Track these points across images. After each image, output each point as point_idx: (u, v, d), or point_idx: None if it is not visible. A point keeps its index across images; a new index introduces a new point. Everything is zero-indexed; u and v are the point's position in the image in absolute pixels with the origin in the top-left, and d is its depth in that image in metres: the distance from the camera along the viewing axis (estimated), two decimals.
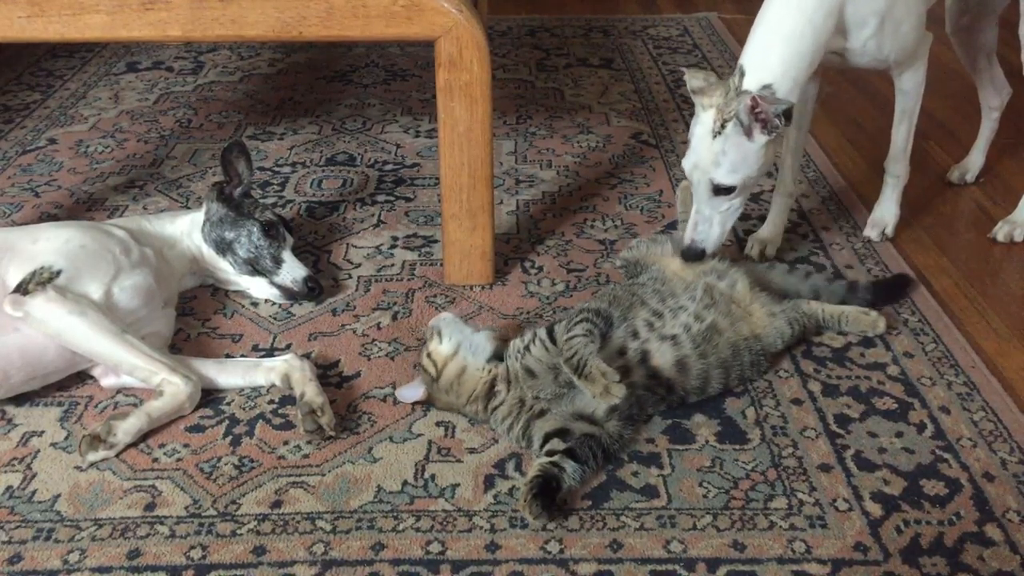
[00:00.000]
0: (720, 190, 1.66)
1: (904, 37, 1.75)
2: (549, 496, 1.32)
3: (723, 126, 1.61)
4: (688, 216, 1.72)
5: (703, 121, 1.65)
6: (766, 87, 1.62)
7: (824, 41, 1.66)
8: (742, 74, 1.64)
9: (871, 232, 2.01)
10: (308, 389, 1.51)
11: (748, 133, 1.61)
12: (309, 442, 1.47)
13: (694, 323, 1.52)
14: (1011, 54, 2.05)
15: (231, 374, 1.59)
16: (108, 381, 1.59)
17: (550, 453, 1.38)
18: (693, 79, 1.67)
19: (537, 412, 1.43)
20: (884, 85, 2.70)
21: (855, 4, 1.67)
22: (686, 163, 1.69)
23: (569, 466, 1.36)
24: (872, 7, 1.68)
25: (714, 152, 1.63)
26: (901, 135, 1.93)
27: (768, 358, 1.61)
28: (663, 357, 1.49)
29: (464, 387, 1.47)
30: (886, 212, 2.02)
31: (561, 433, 1.40)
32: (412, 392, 1.52)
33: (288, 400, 1.56)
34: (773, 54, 1.63)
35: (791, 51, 1.63)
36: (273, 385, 1.58)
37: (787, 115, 1.59)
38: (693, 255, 1.69)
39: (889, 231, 1.99)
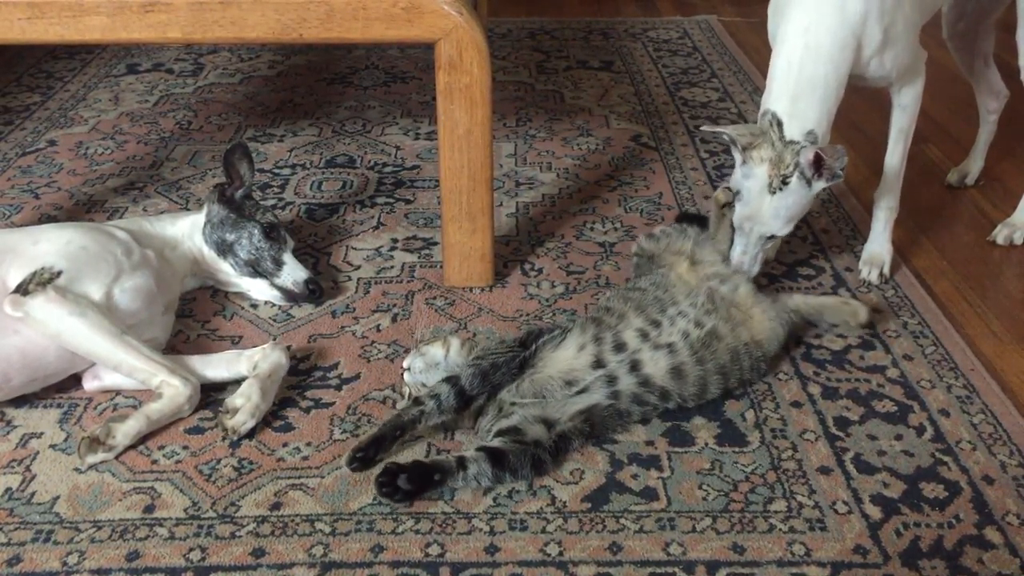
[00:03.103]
0: (771, 237, 1.71)
1: (903, 52, 1.74)
2: (420, 477, 1.34)
3: (784, 182, 1.62)
4: (719, 230, 1.75)
5: (757, 176, 1.64)
6: (809, 133, 1.64)
7: (846, 74, 1.67)
8: (779, 122, 1.64)
9: (869, 273, 1.90)
10: (241, 387, 1.51)
11: (809, 184, 1.63)
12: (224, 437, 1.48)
13: (693, 329, 1.52)
14: (1009, 57, 2.05)
15: (216, 368, 1.59)
16: (91, 384, 1.58)
17: (479, 450, 1.38)
18: (742, 137, 1.65)
19: (507, 413, 1.44)
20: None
21: (869, 33, 1.66)
22: (736, 216, 1.69)
23: (474, 468, 1.36)
24: (879, 27, 1.68)
25: (773, 207, 1.64)
26: (896, 157, 1.87)
27: (767, 361, 1.61)
28: (656, 365, 1.49)
29: None
30: (880, 248, 1.93)
31: (513, 431, 1.40)
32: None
33: (287, 401, 1.56)
34: (805, 101, 1.64)
35: (821, 95, 1.64)
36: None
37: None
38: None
39: (887, 269, 1.90)
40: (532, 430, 1.41)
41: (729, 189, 1.70)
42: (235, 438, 1.46)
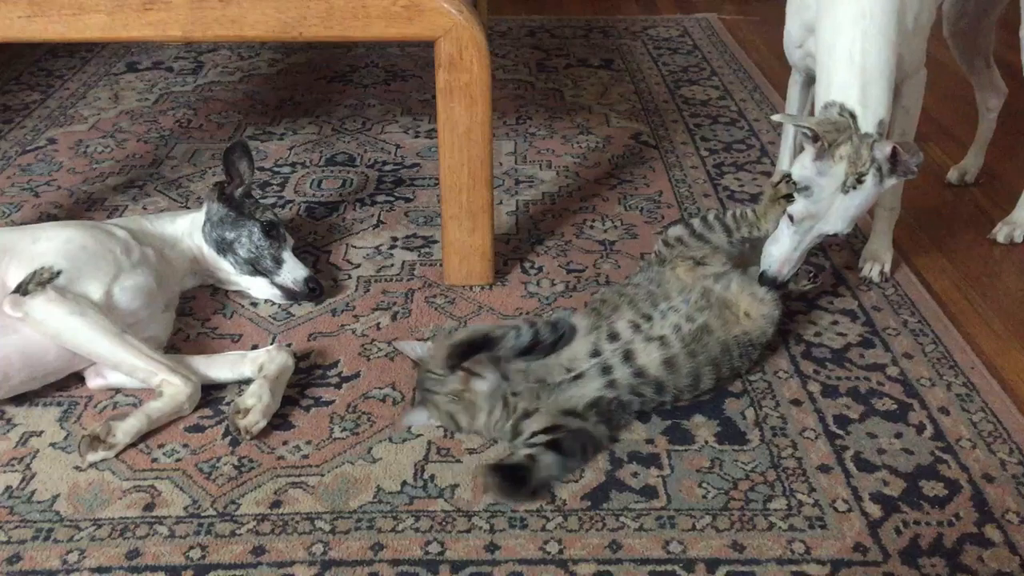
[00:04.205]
0: (827, 236, 1.63)
1: (919, 46, 1.73)
2: (511, 479, 1.33)
3: (860, 180, 1.54)
4: (765, 218, 1.65)
5: (834, 174, 1.54)
6: (880, 123, 1.57)
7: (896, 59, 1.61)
8: (852, 114, 1.56)
9: (870, 271, 1.90)
10: (251, 387, 1.51)
11: (881, 180, 1.55)
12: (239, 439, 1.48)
13: (685, 324, 1.52)
14: (1009, 55, 2.05)
15: (220, 368, 1.59)
16: (95, 382, 1.58)
17: (530, 446, 1.38)
18: (827, 133, 1.53)
19: (523, 413, 1.43)
20: None
21: (906, 20, 1.62)
22: (801, 210, 1.59)
23: (547, 458, 1.36)
24: (912, 15, 1.64)
25: (844, 207, 1.56)
26: None
27: (758, 349, 1.61)
28: (649, 356, 1.49)
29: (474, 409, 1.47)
30: (881, 247, 1.93)
31: (551, 430, 1.40)
32: (418, 418, 1.50)
33: (287, 399, 1.56)
34: (875, 89, 1.57)
35: (887, 82, 1.58)
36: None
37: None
38: (774, 285, 1.64)
39: (887, 268, 1.90)
40: (566, 421, 1.42)
41: (792, 181, 1.60)
42: (248, 438, 1.47)
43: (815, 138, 1.54)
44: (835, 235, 1.62)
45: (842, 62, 1.59)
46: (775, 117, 1.71)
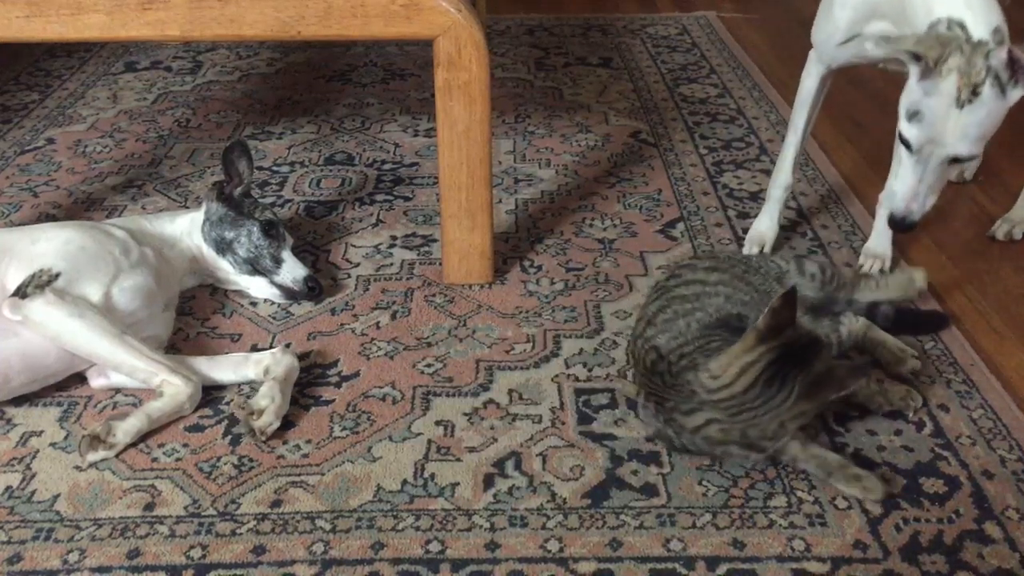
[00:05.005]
0: (960, 159, 1.48)
1: None
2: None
3: (975, 92, 1.40)
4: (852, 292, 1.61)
5: (943, 90, 1.41)
6: (996, 31, 1.41)
7: None
8: (960, 24, 1.42)
9: (871, 267, 1.89)
10: (262, 389, 1.51)
11: (1003, 91, 1.41)
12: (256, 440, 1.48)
13: None
14: None
15: (223, 370, 1.59)
16: (97, 382, 1.58)
17: None
18: (930, 49, 1.40)
19: None
20: (884, 84, 2.70)
21: None
22: (916, 136, 1.47)
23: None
24: None
25: (963, 124, 1.43)
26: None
27: None
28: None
29: None
30: (882, 246, 1.92)
31: None
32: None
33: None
34: None
35: None
36: (262, 379, 1.58)
37: None
38: (905, 227, 1.53)
39: (887, 266, 1.90)
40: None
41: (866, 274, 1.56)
42: (263, 439, 1.47)
43: (916, 58, 1.42)
44: (964, 159, 1.49)
45: None
46: (871, 48, 1.54)
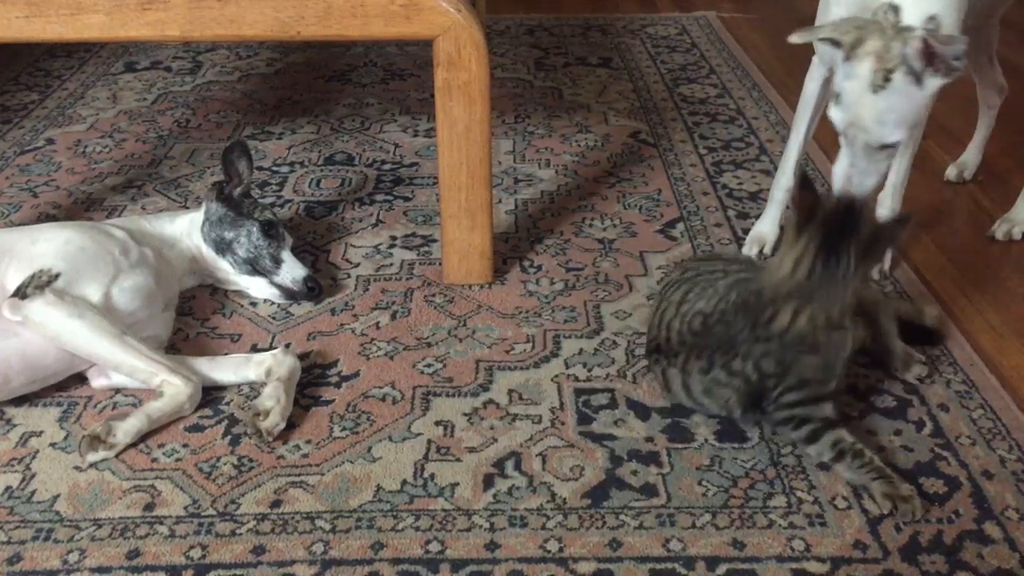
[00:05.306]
0: (884, 146, 1.49)
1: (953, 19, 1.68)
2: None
3: (887, 78, 1.40)
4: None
5: (859, 74, 1.42)
6: (932, 18, 1.42)
7: None
8: (895, 8, 1.42)
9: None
10: (267, 390, 1.51)
11: (919, 80, 1.41)
12: (257, 444, 1.47)
13: None
14: (1010, 53, 2.05)
15: (223, 370, 1.59)
16: (99, 382, 1.58)
17: None
18: (846, 35, 1.41)
19: None
20: None
21: None
22: (838, 119, 1.49)
23: None
24: None
25: (877, 110, 1.43)
26: (904, 163, 1.84)
27: None
28: None
29: None
30: None
31: None
32: None
33: None
34: None
35: None
36: (263, 380, 1.58)
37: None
38: (850, 205, 1.49)
39: (886, 267, 1.90)
40: None
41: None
42: (270, 439, 1.47)
43: (835, 44, 1.44)
44: (890, 145, 1.48)
45: None
46: (793, 37, 1.53)
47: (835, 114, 1.50)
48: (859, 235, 1.32)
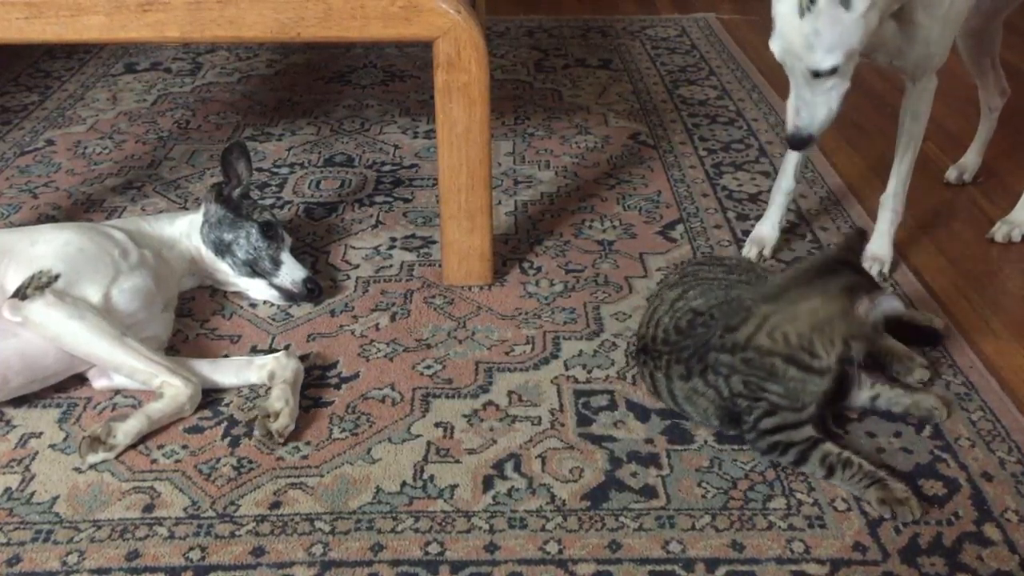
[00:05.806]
0: (820, 73, 1.48)
1: (947, 28, 1.68)
2: None
3: (812, 0, 1.40)
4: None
5: None
6: None
7: None
8: None
9: (870, 269, 1.87)
10: (274, 391, 1.51)
11: (845, 3, 1.41)
12: (262, 446, 1.47)
13: None
14: (1013, 56, 2.05)
15: (225, 373, 1.59)
16: (100, 383, 1.59)
17: None
18: None
19: None
20: (883, 85, 2.70)
21: None
22: (775, 48, 1.50)
23: None
24: None
25: (804, 34, 1.43)
26: (905, 165, 1.85)
27: None
28: None
29: None
30: (882, 249, 1.91)
31: None
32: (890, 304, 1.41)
33: None
34: None
35: None
36: (265, 383, 1.58)
37: None
38: (799, 143, 1.55)
39: (886, 269, 1.90)
40: None
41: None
42: (281, 440, 1.46)
43: None
44: (824, 73, 1.48)
45: None
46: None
47: (772, 44, 1.51)
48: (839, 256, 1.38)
